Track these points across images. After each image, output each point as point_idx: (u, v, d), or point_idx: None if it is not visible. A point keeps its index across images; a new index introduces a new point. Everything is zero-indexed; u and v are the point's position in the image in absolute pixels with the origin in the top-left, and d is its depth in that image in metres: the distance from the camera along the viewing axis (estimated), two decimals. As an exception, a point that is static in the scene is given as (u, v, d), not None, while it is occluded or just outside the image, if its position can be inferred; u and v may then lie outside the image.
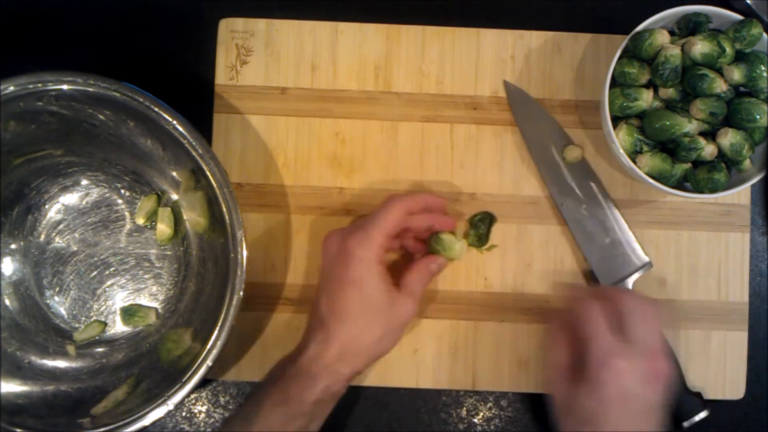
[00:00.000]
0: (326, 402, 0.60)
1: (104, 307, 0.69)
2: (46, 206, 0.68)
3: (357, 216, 0.69)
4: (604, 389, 0.56)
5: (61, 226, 0.68)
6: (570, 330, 0.60)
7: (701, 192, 0.63)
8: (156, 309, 0.69)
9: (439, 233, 0.64)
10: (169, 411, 0.58)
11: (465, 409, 0.70)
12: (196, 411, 0.69)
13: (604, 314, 0.57)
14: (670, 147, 0.64)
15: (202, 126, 0.66)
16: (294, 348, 0.61)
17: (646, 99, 0.63)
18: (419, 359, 0.68)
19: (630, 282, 0.67)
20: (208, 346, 0.59)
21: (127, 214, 0.69)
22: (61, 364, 0.66)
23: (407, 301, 0.61)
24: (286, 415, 0.57)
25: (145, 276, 0.69)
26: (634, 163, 0.63)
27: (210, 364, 0.58)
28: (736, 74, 0.61)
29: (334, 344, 0.59)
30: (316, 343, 0.59)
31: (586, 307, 0.58)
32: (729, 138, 0.61)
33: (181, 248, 0.68)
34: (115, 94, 0.58)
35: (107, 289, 0.69)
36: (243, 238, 0.59)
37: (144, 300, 0.69)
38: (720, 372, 0.69)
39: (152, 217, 0.68)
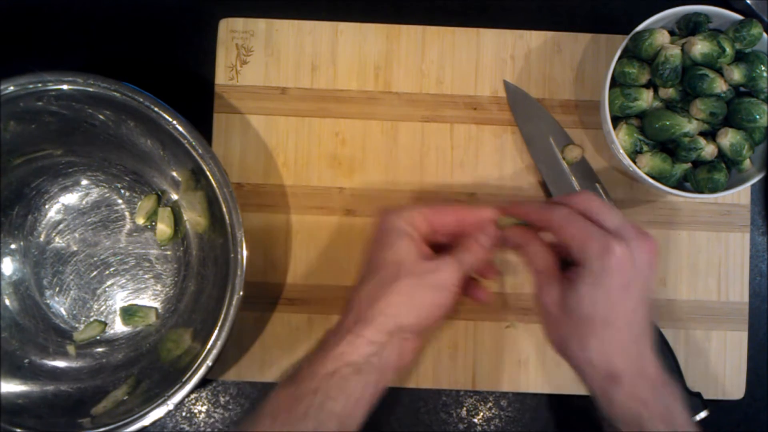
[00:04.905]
0: (345, 377, 0.51)
1: (104, 307, 0.69)
2: (46, 206, 0.68)
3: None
4: (610, 278, 0.53)
5: (61, 226, 0.68)
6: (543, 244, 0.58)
7: (701, 192, 0.63)
8: (156, 309, 0.69)
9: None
10: (169, 411, 0.58)
11: (465, 409, 0.70)
12: (196, 411, 0.69)
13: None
14: (670, 147, 0.64)
15: (202, 126, 0.66)
16: None
17: (646, 99, 0.63)
18: (419, 359, 0.68)
19: (630, 282, 0.67)
20: (208, 346, 0.59)
21: (127, 214, 0.69)
22: (61, 364, 0.66)
23: (446, 262, 0.55)
24: (290, 396, 0.52)
25: (145, 276, 0.69)
26: (634, 163, 0.63)
27: (210, 364, 0.58)
28: (736, 74, 0.62)
29: (353, 305, 0.54)
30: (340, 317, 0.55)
31: (562, 213, 0.56)
32: (729, 138, 0.62)
33: (181, 248, 0.68)
34: (115, 94, 0.58)
35: (107, 289, 0.69)
36: (243, 238, 0.59)
37: (144, 300, 0.69)
38: (720, 372, 0.69)
39: (152, 217, 0.68)
